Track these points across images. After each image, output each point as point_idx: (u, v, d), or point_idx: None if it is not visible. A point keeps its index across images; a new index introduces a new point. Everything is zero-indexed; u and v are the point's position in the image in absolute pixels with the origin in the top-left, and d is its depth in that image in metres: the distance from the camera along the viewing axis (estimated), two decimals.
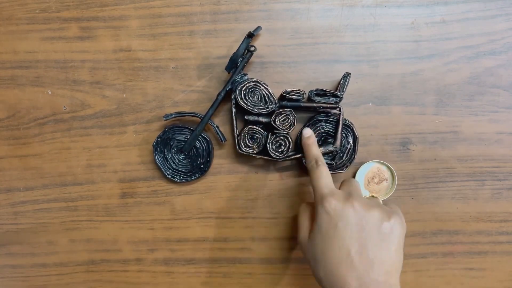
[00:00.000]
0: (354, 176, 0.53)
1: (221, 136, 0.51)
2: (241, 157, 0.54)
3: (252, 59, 0.52)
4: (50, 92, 0.53)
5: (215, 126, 0.51)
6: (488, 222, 0.54)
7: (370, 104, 0.53)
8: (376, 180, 0.53)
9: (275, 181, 0.54)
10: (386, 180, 0.53)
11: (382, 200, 0.52)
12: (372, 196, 0.52)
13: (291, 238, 0.54)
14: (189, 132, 0.52)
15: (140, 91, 0.53)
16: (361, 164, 0.52)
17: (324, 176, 0.44)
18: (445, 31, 0.52)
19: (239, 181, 0.54)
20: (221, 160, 0.53)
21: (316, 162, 0.45)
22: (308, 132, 0.49)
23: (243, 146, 0.51)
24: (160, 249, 0.55)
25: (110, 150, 0.54)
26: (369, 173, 0.53)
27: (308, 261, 0.43)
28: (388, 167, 0.52)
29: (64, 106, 0.53)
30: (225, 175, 0.54)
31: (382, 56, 0.52)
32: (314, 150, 0.47)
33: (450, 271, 0.54)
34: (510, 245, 0.54)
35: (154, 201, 0.54)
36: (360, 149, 0.53)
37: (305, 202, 0.48)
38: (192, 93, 0.53)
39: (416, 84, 0.52)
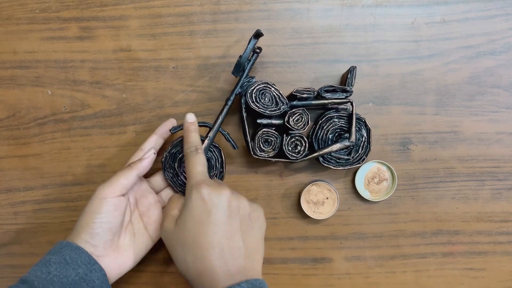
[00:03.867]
0: (354, 176, 0.53)
1: (233, 143, 0.49)
2: (244, 158, 0.54)
3: None
4: (50, 92, 0.53)
5: (225, 133, 0.49)
6: (488, 222, 0.54)
7: (370, 104, 0.53)
8: (376, 180, 0.53)
9: (275, 181, 0.54)
10: (386, 180, 0.53)
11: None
12: None
13: (291, 238, 0.54)
14: None
15: (140, 91, 0.53)
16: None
17: (202, 164, 0.44)
18: (445, 31, 0.52)
19: (239, 181, 0.54)
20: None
21: (196, 149, 0.45)
22: (192, 118, 0.48)
23: (258, 151, 0.49)
24: (160, 249, 0.55)
25: (110, 150, 0.54)
26: (369, 173, 0.53)
27: (173, 249, 0.42)
28: (388, 167, 0.52)
29: (64, 106, 0.53)
30: (225, 175, 0.54)
31: (382, 56, 0.52)
32: (195, 136, 0.47)
33: (450, 271, 0.54)
34: (510, 245, 0.54)
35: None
36: None
37: (177, 194, 0.49)
38: (192, 93, 0.53)
39: (416, 84, 0.52)
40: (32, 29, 0.53)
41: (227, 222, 0.41)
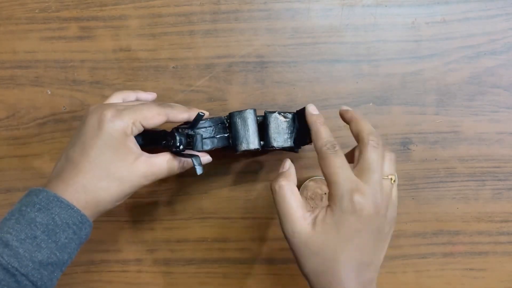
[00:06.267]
0: None
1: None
2: (243, 158, 0.53)
3: (252, 59, 0.52)
4: (49, 92, 0.53)
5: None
6: (489, 223, 0.53)
7: (371, 104, 0.52)
8: None
9: None
10: None
11: None
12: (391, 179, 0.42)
13: None
14: None
15: None
16: None
17: (345, 166, 0.36)
18: (445, 31, 0.52)
19: (239, 181, 0.54)
20: (220, 160, 0.53)
21: (333, 146, 0.37)
22: (314, 109, 0.41)
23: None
24: (160, 249, 0.55)
25: None
26: None
27: (300, 253, 0.36)
28: None
29: (63, 106, 0.53)
30: (225, 175, 0.54)
31: (382, 55, 0.52)
32: (327, 131, 0.39)
33: (450, 271, 0.54)
34: (510, 245, 0.54)
35: (154, 201, 0.54)
36: None
37: (286, 181, 0.39)
38: (192, 93, 0.53)
39: (417, 84, 0.52)
40: (31, 29, 0.52)
41: (374, 242, 0.36)
